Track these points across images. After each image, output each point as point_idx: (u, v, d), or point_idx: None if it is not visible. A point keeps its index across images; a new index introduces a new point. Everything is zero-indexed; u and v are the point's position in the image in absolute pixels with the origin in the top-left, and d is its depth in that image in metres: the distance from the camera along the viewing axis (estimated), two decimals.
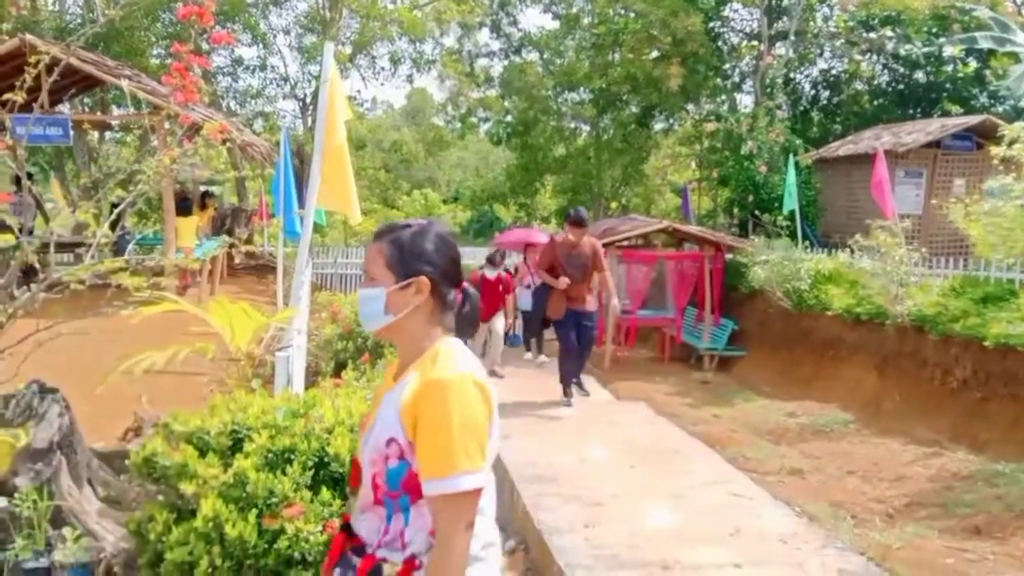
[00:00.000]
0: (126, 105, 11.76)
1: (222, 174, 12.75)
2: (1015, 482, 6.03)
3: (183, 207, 11.25)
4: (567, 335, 7.57)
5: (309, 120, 19.16)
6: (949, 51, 17.38)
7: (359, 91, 21.70)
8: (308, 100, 19.46)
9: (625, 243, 12.11)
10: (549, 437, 6.60)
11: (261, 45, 19.07)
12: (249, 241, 14.10)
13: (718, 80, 18.88)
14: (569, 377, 7.82)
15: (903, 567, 4.20)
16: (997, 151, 6.99)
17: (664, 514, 4.84)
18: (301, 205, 7.63)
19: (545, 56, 21.59)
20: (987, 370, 7.70)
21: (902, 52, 17.82)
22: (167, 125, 8.79)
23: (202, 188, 15.01)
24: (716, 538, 4.42)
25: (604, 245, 9.22)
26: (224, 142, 3.67)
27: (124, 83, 9.23)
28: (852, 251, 9.86)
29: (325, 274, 16.00)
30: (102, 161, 16.69)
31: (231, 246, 4.79)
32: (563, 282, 7.32)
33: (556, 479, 5.52)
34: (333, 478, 2.74)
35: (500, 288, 9.47)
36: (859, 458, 6.93)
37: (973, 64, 17.93)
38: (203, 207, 12.60)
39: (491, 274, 9.43)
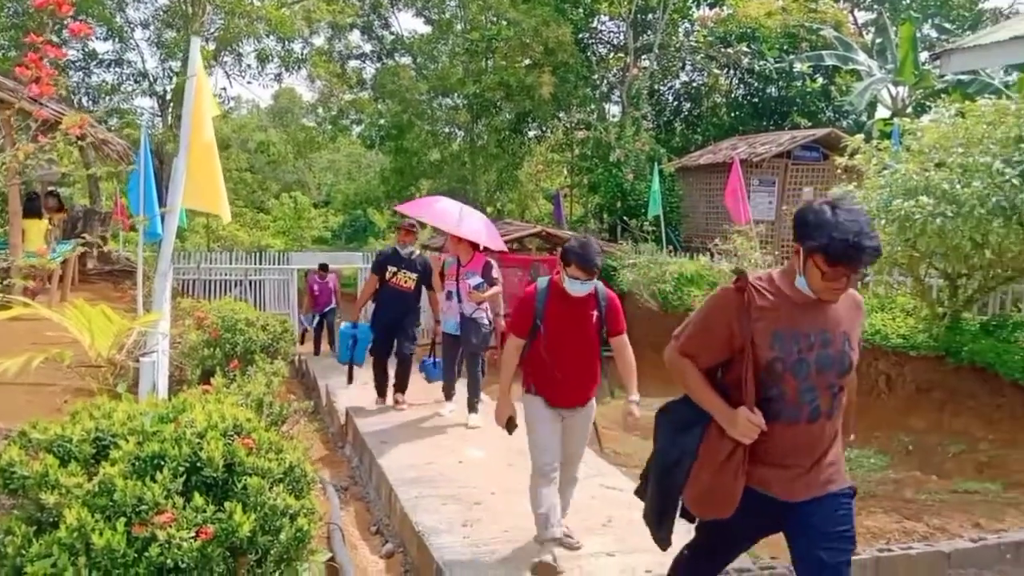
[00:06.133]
0: None
1: (74, 174, 12.02)
2: (859, 466, 6.57)
3: (31, 209, 10.50)
4: (727, 550, 2.96)
5: (169, 118, 18.32)
6: (798, 67, 18.64)
7: (224, 89, 20.99)
8: (168, 97, 18.59)
9: None
10: (427, 442, 6.60)
11: (117, 39, 18.08)
12: (103, 245, 13.35)
13: (588, 90, 19.45)
14: None
15: (766, 551, 4.49)
16: (840, 161, 7.57)
17: None
18: (162, 206, 7.32)
19: (418, 60, 21.56)
20: None
21: (756, 68, 18.96)
22: (13, 120, 8.21)
23: (49, 188, 14.05)
24: (590, 529, 4.57)
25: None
26: (81, 139, 3.49)
27: None
28: (712, 254, 10.42)
29: (187, 280, 15.33)
30: None
31: (85, 247, 4.54)
32: (750, 425, 2.55)
33: (434, 481, 5.54)
34: (206, 483, 2.67)
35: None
36: None
37: (820, 80, 19.31)
38: (58, 208, 11.80)
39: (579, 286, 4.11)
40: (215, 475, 2.67)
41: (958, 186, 5.76)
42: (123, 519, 2.43)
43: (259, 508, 2.63)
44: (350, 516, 5.49)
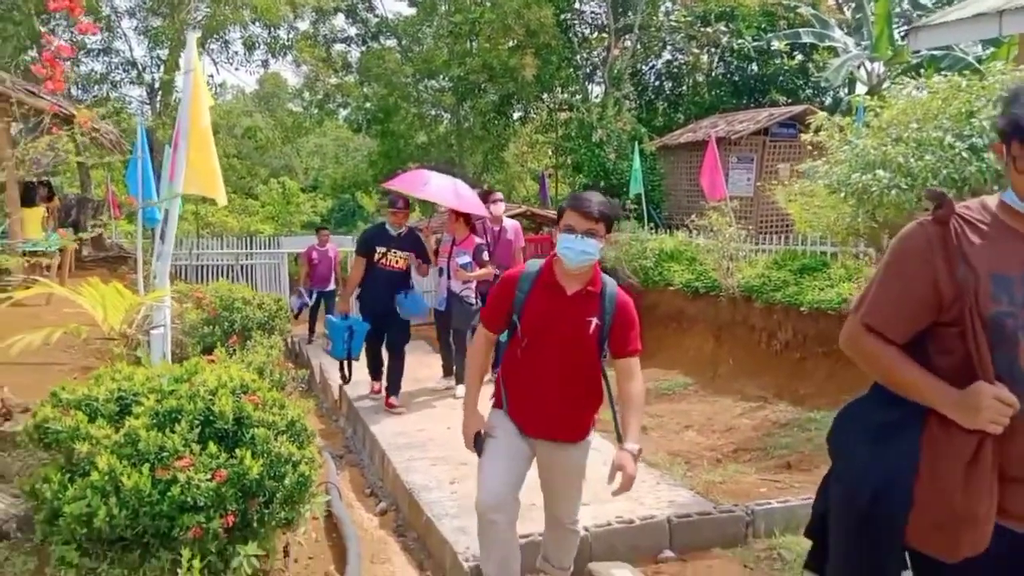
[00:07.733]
0: None
1: (67, 162, 12.24)
2: (824, 427, 6.94)
3: (26, 198, 10.76)
4: None
5: (158, 105, 18.50)
6: (776, 45, 18.90)
7: (211, 76, 20.87)
8: (156, 86, 18.76)
9: None
10: (418, 411, 6.97)
11: (104, 28, 18.23)
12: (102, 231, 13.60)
13: (570, 71, 19.69)
14: None
15: (723, 496, 4.89)
16: (806, 137, 7.88)
17: None
18: (157, 193, 7.61)
19: (403, 43, 21.72)
20: (804, 332, 8.72)
21: (735, 46, 19.23)
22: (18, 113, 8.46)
23: (41, 178, 14.27)
24: None
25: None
26: (96, 130, 3.80)
27: None
28: (690, 230, 10.77)
29: (179, 265, 15.60)
30: None
31: (98, 229, 4.84)
32: (999, 404, 1.71)
33: (424, 445, 5.91)
34: (219, 434, 3.02)
35: None
36: (696, 415, 7.73)
37: (798, 57, 19.58)
38: (48, 198, 12.05)
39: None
40: (226, 427, 3.03)
41: (912, 160, 6.10)
42: (147, 464, 2.78)
43: (266, 455, 2.99)
44: (345, 480, 5.86)
